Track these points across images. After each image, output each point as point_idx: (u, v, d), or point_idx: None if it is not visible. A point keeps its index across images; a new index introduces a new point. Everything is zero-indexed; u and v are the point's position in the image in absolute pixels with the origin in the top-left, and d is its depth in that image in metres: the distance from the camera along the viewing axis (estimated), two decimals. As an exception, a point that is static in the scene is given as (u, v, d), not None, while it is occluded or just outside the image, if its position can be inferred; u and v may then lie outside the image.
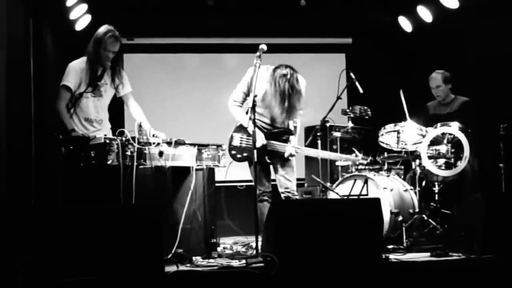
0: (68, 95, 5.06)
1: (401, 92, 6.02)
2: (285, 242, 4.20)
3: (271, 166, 5.51)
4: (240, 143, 5.45)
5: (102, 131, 5.13)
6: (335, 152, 6.42)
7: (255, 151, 4.87)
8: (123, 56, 5.39)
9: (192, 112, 8.42)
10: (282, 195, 5.43)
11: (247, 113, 5.42)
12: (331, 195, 5.98)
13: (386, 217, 5.51)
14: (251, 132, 4.94)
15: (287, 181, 5.42)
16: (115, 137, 4.61)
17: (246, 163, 5.49)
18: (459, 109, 6.26)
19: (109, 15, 6.82)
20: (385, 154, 6.22)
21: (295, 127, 5.55)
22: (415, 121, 6.01)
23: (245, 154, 5.41)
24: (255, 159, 4.88)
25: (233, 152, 5.48)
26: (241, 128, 5.50)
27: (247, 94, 5.51)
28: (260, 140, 5.31)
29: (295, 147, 5.43)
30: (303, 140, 7.09)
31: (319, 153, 5.81)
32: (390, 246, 5.26)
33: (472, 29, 7.13)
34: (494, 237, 4.64)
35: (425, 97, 6.61)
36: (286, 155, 5.40)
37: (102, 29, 5.11)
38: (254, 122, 4.89)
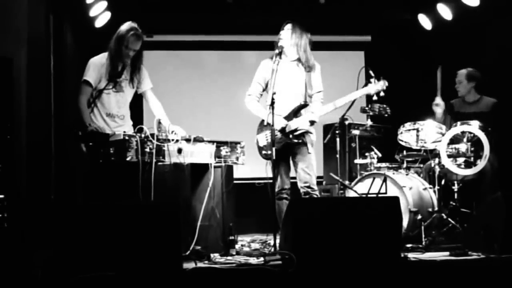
0: (89, 90, 5.07)
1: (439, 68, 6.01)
2: (303, 240, 4.19)
3: (291, 162, 5.47)
4: (267, 140, 5.39)
5: (124, 127, 5.16)
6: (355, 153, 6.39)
7: (273, 149, 4.87)
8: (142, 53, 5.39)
9: (210, 109, 8.45)
10: (301, 190, 5.38)
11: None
12: (350, 193, 5.96)
13: (405, 215, 5.49)
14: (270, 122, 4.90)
15: (306, 174, 5.36)
16: (134, 134, 4.63)
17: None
18: (492, 111, 6.20)
19: (128, 12, 6.89)
20: (404, 152, 6.19)
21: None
22: (435, 118, 5.97)
23: (275, 148, 5.35)
24: (274, 157, 4.87)
25: (264, 152, 5.42)
26: (262, 128, 5.46)
27: (263, 87, 5.49)
28: (282, 122, 5.30)
29: (311, 114, 5.35)
30: (322, 138, 7.06)
31: (336, 103, 5.44)
32: (409, 245, 5.23)
33: (492, 27, 7.06)
34: (514, 236, 4.59)
35: (446, 95, 6.55)
36: (307, 126, 5.34)
37: (125, 26, 5.10)
38: (273, 119, 4.89)
